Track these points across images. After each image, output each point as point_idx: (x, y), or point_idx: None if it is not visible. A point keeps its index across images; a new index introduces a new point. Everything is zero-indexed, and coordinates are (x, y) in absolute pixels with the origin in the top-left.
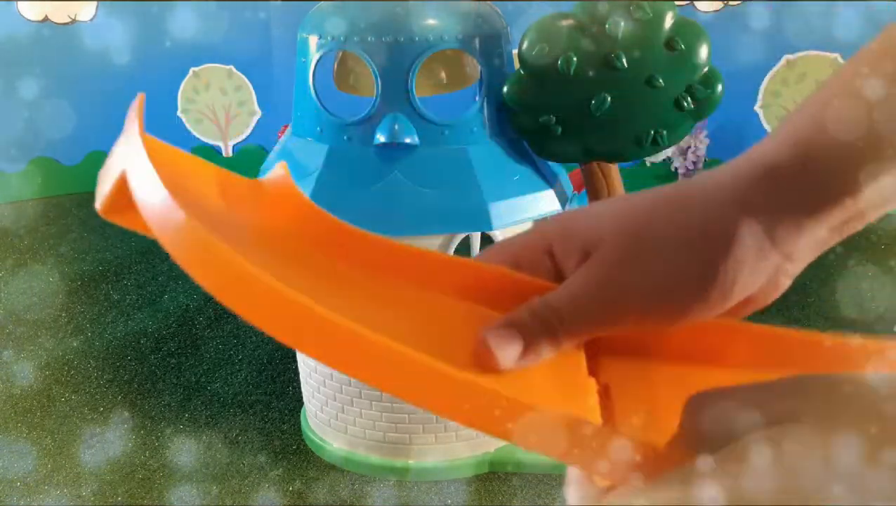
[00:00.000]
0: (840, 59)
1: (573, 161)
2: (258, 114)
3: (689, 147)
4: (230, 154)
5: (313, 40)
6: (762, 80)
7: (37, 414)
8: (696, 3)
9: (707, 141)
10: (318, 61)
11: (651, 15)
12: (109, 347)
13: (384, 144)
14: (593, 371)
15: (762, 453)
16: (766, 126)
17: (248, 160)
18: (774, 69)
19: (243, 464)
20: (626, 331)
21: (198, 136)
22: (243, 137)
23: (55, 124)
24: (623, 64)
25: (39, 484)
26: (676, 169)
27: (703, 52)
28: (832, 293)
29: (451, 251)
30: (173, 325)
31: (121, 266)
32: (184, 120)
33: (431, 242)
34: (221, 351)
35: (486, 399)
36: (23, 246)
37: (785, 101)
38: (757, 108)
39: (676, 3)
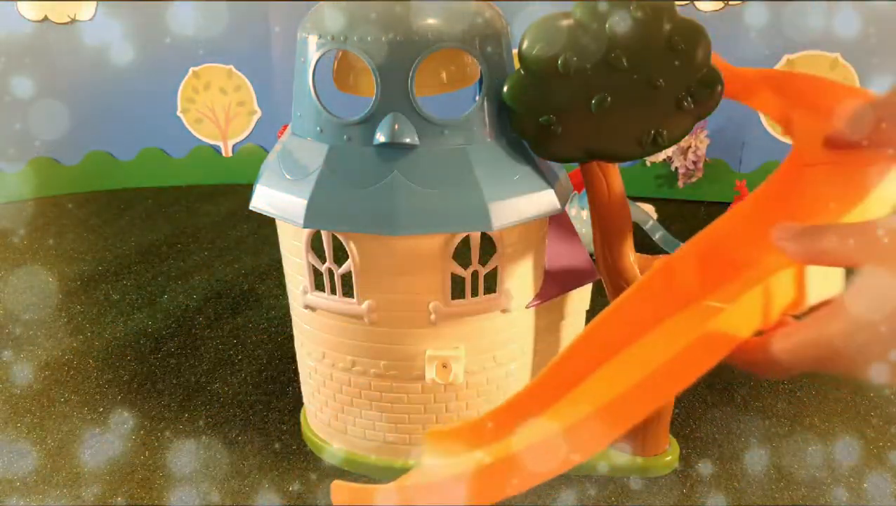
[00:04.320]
0: (840, 59)
1: (573, 161)
2: (258, 114)
3: (689, 147)
4: (230, 154)
5: (313, 40)
6: None
7: (36, 414)
8: (696, 2)
9: (707, 141)
10: (317, 61)
11: (651, 14)
12: (109, 347)
13: (384, 144)
14: None
15: None
16: (766, 126)
17: (248, 160)
18: (775, 69)
19: (243, 464)
20: None
21: (197, 135)
22: (243, 136)
23: (54, 124)
24: (623, 64)
25: (38, 484)
26: (676, 169)
27: (704, 51)
28: None
29: (451, 251)
30: (173, 325)
31: (120, 266)
32: (183, 120)
33: (431, 242)
34: (221, 351)
35: None
36: (22, 246)
37: None
38: None
39: (677, 2)
